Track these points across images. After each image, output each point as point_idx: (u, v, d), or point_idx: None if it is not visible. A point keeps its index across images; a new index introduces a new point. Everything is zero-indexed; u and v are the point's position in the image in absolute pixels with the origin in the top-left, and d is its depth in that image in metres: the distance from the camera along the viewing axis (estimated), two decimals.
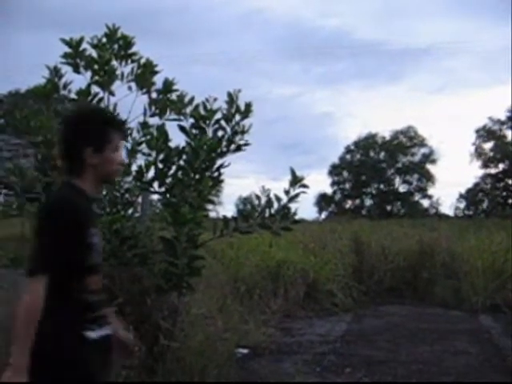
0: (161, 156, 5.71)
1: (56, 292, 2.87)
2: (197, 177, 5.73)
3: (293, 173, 5.62)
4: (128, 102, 6.24)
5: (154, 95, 6.30)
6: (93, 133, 3.02)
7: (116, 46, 6.16)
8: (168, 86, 6.27)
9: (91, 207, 3.14)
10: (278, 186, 5.80)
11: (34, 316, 2.76)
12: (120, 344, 3.31)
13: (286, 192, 5.70)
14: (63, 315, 2.96)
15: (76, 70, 6.11)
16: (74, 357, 2.95)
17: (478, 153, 58.47)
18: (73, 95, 6.13)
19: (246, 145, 6.05)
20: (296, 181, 5.64)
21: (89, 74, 6.10)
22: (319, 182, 66.22)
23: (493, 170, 58.96)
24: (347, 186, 65.62)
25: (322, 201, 64.91)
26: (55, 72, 6.09)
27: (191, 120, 5.91)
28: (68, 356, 2.94)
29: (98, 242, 3.03)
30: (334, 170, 65.67)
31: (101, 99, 6.08)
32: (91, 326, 2.99)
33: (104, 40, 6.10)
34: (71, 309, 2.98)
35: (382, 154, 64.24)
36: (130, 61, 6.25)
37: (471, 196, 59.08)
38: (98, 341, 3.01)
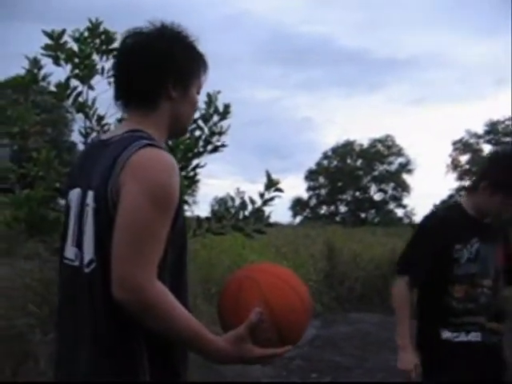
0: None
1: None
2: None
3: (268, 176, 5.62)
4: (107, 97, 6.22)
5: None
6: None
7: (98, 41, 6.13)
8: None
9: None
10: (255, 189, 5.83)
11: None
12: None
13: (261, 195, 5.70)
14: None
15: (56, 63, 6.06)
16: (431, 360, 3.41)
17: (454, 165, 58.99)
18: (52, 87, 6.09)
19: (223, 146, 6.04)
20: (271, 184, 5.64)
21: (69, 67, 6.06)
22: (295, 187, 66.73)
23: (468, 183, 59.40)
24: (323, 191, 65.84)
25: (297, 205, 65.08)
26: (35, 63, 6.04)
27: None
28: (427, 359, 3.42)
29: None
30: (311, 175, 65.90)
31: (80, 93, 6.05)
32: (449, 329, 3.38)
33: (86, 34, 6.07)
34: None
35: (359, 162, 64.55)
36: (111, 56, 6.22)
37: None
38: (452, 343, 3.36)
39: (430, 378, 3.39)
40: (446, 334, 3.34)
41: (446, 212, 3.70)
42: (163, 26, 2.22)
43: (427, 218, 3.64)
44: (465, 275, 3.34)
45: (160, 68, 2.14)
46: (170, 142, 5.72)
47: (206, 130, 5.94)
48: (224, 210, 5.86)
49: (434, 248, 3.34)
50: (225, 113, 5.96)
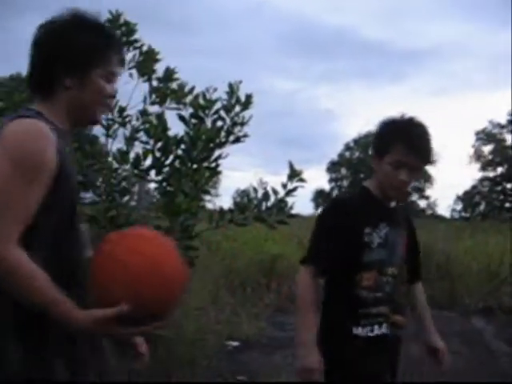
0: (159, 144, 5.67)
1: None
2: (194, 167, 5.70)
3: (291, 166, 5.58)
4: (128, 90, 6.22)
5: (154, 83, 6.27)
6: None
7: (118, 32, 6.12)
8: (169, 74, 6.23)
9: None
10: (277, 180, 5.79)
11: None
12: (431, 350, 3.42)
13: (284, 185, 5.67)
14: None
15: None
16: (340, 355, 3.08)
17: (477, 155, 58.62)
18: None
19: (244, 136, 6.01)
20: (294, 174, 5.60)
21: None
22: (317, 178, 66.69)
23: (491, 174, 59.10)
24: (345, 183, 65.72)
25: (319, 197, 65.02)
26: None
27: (191, 109, 5.88)
28: (334, 354, 3.08)
29: None
30: (333, 167, 65.88)
31: None
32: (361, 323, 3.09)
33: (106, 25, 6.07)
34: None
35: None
36: (131, 47, 6.22)
37: (468, 198, 59.16)
38: (363, 338, 3.09)
39: (336, 376, 3.04)
40: (358, 329, 3.07)
41: (349, 195, 3.45)
42: (69, 13, 2.21)
43: (330, 203, 3.41)
44: (374, 261, 3.10)
45: (49, 57, 2.14)
46: (191, 133, 5.71)
47: (228, 121, 5.91)
48: (247, 201, 5.83)
49: (340, 233, 3.08)
50: (247, 103, 5.92)
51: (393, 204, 3.26)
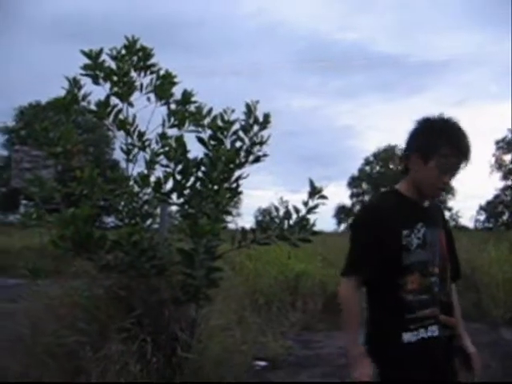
0: (179, 167, 5.70)
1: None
2: (215, 188, 5.71)
3: (311, 184, 5.58)
4: (147, 113, 6.27)
5: (172, 106, 6.32)
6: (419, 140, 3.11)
7: (135, 58, 6.18)
8: (187, 97, 6.28)
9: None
10: (298, 198, 5.77)
11: None
12: (464, 355, 3.32)
13: (305, 203, 5.66)
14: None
15: (95, 82, 6.13)
16: (392, 362, 3.03)
17: (498, 164, 58.11)
18: (92, 106, 6.15)
19: (264, 156, 6.03)
20: (315, 192, 5.60)
21: (108, 85, 6.12)
22: (338, 194, 66.27)
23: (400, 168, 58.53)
24: (366, 197, 65.41)
25: (341, 213, 64.81)
26: (75, 83, 6.11)
27: (209, 131, 5.90)
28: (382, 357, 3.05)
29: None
30: (354, 182, 65.66)
31: (120, 110, 6.10)
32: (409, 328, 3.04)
33: (123, 51, 6.13)
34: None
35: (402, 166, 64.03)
36: (148, 72, 6.28)
37: (491, 208, 58.63)
38: (414, 343, 3.03)
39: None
40: (407, 335, 3.02)
41: (382, 199, 3.38)
42: None
43: (363, 210, 3.35)
44: (415, 263, 3.04)
45: None
46: (210, 154, 5.73)
47: (247, 141, 5.92)
48: (269, 220, 5.83)
49: (377, 239, 3.03)
50: (265, 122, 5.94)
51: (426, 203, 3.21)
